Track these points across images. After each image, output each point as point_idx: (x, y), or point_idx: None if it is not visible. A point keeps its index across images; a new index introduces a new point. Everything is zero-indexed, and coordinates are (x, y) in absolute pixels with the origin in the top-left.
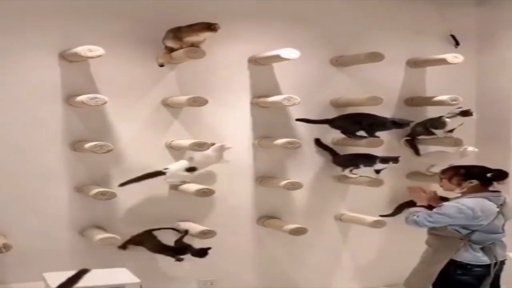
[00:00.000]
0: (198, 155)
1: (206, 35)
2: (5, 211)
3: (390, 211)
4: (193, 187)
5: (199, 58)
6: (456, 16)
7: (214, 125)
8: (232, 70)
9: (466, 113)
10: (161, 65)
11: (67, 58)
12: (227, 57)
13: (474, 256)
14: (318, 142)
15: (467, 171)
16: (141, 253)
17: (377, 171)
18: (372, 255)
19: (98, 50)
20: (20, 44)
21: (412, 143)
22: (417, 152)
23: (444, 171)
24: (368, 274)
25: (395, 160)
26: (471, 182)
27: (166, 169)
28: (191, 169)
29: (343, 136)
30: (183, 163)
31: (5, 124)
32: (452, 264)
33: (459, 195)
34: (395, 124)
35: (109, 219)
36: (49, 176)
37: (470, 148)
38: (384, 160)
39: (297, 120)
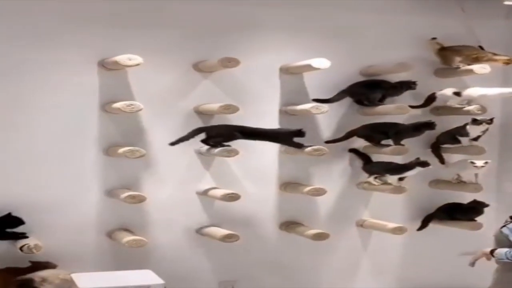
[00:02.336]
0: None
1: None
2: (38, 213)
3: (411, 218)
4: (219, 191)
5: (234, 67)
6: (484, 29)
7: None
8: (263, 79)
9: (480, 121)
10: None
11: (106, 66)
12: (259, 66)
13: None
14: (356, 151)
15: None
16: (166, 256)
17: (401, 179)
18: (392, 261)
19: (137, 59)
20: (61, 53)
21: (437, 151)
22: (442, 160)
23: None
24: (389, 280)
25: (426, 164)
26: None
27: None
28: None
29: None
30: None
31: (43, 129)
32: None
33: None
34: (414, 128)
35: (138, 222)
36: (81, 180)
37: (479, 163)
38: (423, 163)
39: (327, 142)
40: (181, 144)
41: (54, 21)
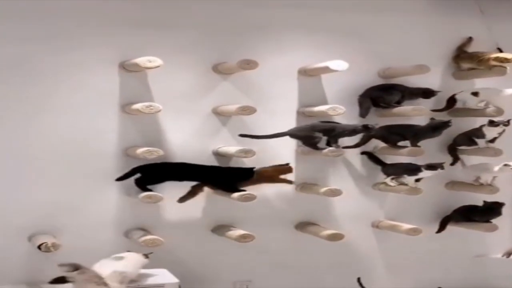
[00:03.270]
0: None
1: None
2: (56, 212)
3: (427, 219)
4: (235, 193)
5: (252, 69)
6: (503, 30)
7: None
8: (281, 81)
9: (498, 123)
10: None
11: (126, 68)
12: (277, 68)
13: None
14: (369, 154)
15: None
16: (181, 255)
17: (417, 180)
18: (408, 262)
19: (156, 61)
20: (83, 54)
21: (454, 153)
22: (455, 161)
23: None
24: (405, 281)
25: (440, 166)
26: None
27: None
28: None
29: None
30: None
31: (64, 129)
32: None
33: None
34: (433, 128)
35: (154, 222)
36: (100, 179)
37: None
38: (431, 167)
39: (345, 147)
40: (199, 144)
41: (75, 23)
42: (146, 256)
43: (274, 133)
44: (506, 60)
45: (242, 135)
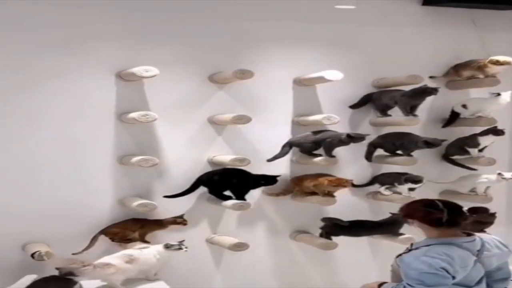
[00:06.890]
0: None
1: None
2: (50, 220)
3: None
4: (230, 201)
5: (247, 79)
6: (495, 42)
7: (255, 142)
8: (277, 90)
9: (497, 132)
10: None
11: (123, 77)
12: (273, 78)
13: None
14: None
15: None
16: (178, 268)
17: (411, 189)
18: None
19: (153, 71)
20: (81, 65)
21: (454, 162)
22: (468, 167)
23: None
24: None
25: (419, 180)
26: None
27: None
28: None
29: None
30: None
31: (60, 138)
32: None
33: None
34: (426, 143)
35: None
36: (95, 188)
37: (508, 175)
38: (409, 179)
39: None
40: (194, 153)
41: (74, 34)
42: (167, 246)
43: (282, 147)
44: (499, 63)
45: (269, 160)
